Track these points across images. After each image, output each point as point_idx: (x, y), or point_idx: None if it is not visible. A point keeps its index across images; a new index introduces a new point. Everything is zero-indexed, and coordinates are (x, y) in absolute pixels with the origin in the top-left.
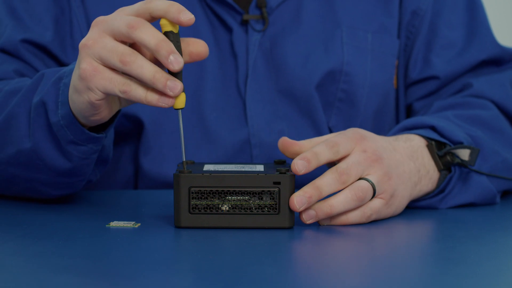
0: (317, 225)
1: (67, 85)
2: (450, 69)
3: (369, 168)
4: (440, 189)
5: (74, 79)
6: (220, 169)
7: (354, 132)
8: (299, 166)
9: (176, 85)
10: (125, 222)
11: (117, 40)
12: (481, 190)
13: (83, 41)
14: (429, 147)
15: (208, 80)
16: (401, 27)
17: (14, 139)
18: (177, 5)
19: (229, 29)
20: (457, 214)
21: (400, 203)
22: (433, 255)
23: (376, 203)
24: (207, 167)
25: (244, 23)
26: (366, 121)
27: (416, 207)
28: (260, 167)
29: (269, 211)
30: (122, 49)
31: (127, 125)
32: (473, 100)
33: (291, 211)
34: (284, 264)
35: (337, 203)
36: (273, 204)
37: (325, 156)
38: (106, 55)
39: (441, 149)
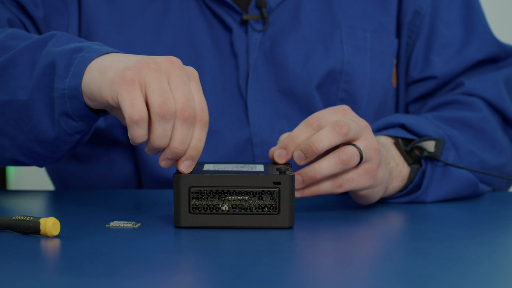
0: (317, 225)
1: (86, 59)
2: (448, 68)
3: (362, 130)
4: (414, 184)
5: (109, 69)
6: (220, 169)
7: (337, 107)
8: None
9: (170, 164)
10: (125, 222)
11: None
12: (461, 180)
13: (148, 58)
14: (396, 144)
15: (207, 80)
16: (402, 27)
17: (10, 87)
18: (198, 152)
19: (228, 29)
20: (454, 213)
21: (380, 180)
22: (433, 254)
23: (352, 172)
24: (207, 167)
25: (244, 23)
26: (367, 120)
27: (401, 203)
28: (260, 167)
29: (269, 211)
30: (168, 98)
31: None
32: (463, 98)
33: (291, 211)
34: (284, 264)
35: (320, 167)
36: (273, 204)
37: (305, 135)
38: (154, 90)
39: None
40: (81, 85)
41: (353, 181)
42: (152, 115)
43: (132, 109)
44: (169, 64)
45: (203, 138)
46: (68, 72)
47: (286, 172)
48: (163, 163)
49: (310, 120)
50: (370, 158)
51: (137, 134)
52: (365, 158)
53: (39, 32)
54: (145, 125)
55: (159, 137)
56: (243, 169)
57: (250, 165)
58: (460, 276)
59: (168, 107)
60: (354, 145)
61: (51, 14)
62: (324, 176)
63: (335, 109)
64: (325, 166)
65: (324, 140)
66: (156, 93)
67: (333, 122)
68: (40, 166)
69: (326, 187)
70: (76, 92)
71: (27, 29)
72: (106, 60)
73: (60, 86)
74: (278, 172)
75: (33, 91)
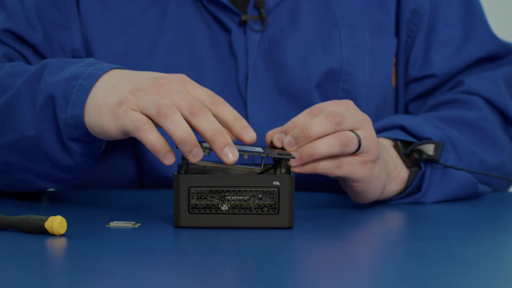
0: (317, 225)
1: (84, 88)
2: (447, 66)
3: (361, 122)
4: (414, 186)
5: (104, 109)
6: (219, 161)
7: (341, 100)
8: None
9: (199, 153)
10: (125, 222)
11: None
12: (461, 182)
13: (136, 88)
14: (395, 147)
15: (206, 82)
16: (401, 26)
17: (17, 125)
18: (242, 121)
19: (227, 30)
20: (454, 213)
21: (377, 177)
22: (433, 254)
23: (350, 157)
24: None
25: (242, 24)
26: None
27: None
28: (259, 149)
29: (268, 211)
30: (163, 101)
31: None
32: (463, 97)
33: (291, 211)
34: (284, 264)
35: (319, 144)
36: (272, 204)
37: (304, 119)
38: (147, 103)
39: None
40: (83, 118)
41: (351, 165)
42: (156, 121)
43: (133, 122)
44: (158, 86)
45: (233, 110)
46: (68, 102)
47: (287, 160)
48: (192, 157)
49: (313, 109)
50: (368, 149)
51: (151, 138)
52: (363, 147)
53: (41, 57)
54: (152, 127)
55: (177, 130)
56: (242, 149)
57: (249, 146)
58: (460, 276)
59: (163, 104)
60: (354, 132)
61: (52, 31)
62: (322, 155)
63: (338, 102)
64: (324, 144)
65: (317, 126)
66: (150, 104)
67: (328, 111)
68: (67, 188)
69: (325, 166)
70: (80, 121)
71: (26, 59)
72: (99, 96)
73: (63, 116)
74: (279, 156)
75: (39, 125)
